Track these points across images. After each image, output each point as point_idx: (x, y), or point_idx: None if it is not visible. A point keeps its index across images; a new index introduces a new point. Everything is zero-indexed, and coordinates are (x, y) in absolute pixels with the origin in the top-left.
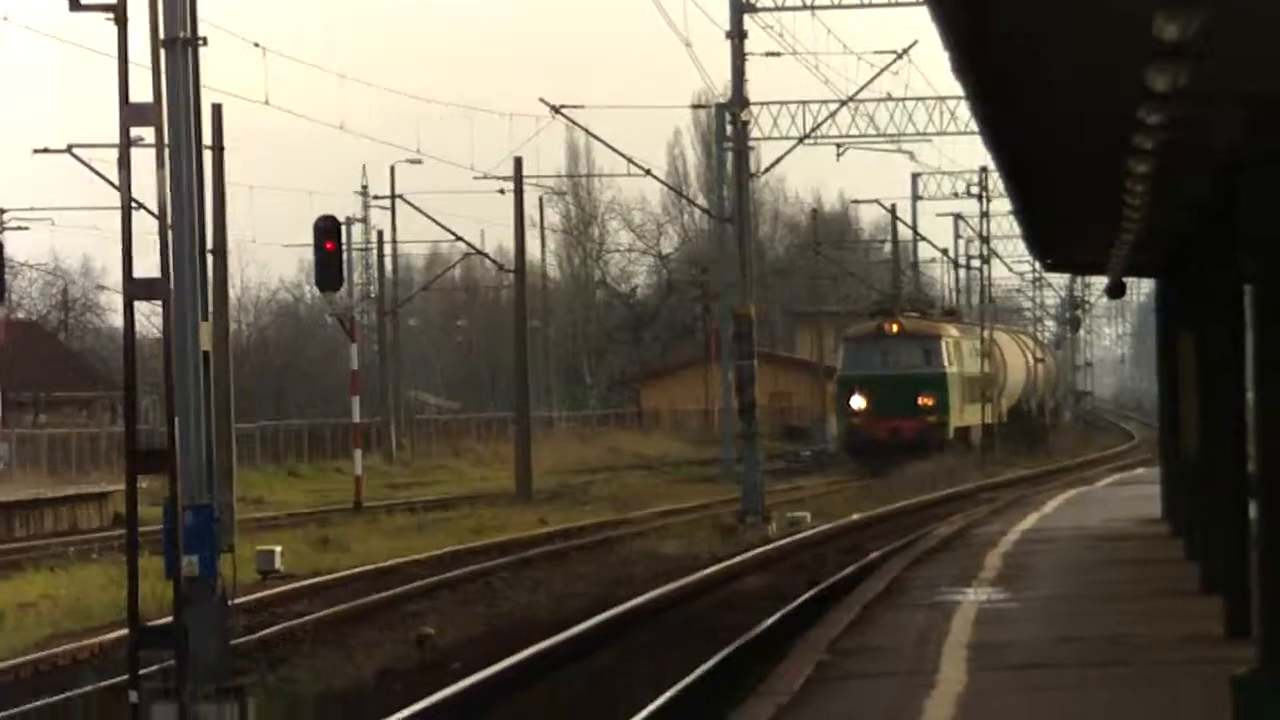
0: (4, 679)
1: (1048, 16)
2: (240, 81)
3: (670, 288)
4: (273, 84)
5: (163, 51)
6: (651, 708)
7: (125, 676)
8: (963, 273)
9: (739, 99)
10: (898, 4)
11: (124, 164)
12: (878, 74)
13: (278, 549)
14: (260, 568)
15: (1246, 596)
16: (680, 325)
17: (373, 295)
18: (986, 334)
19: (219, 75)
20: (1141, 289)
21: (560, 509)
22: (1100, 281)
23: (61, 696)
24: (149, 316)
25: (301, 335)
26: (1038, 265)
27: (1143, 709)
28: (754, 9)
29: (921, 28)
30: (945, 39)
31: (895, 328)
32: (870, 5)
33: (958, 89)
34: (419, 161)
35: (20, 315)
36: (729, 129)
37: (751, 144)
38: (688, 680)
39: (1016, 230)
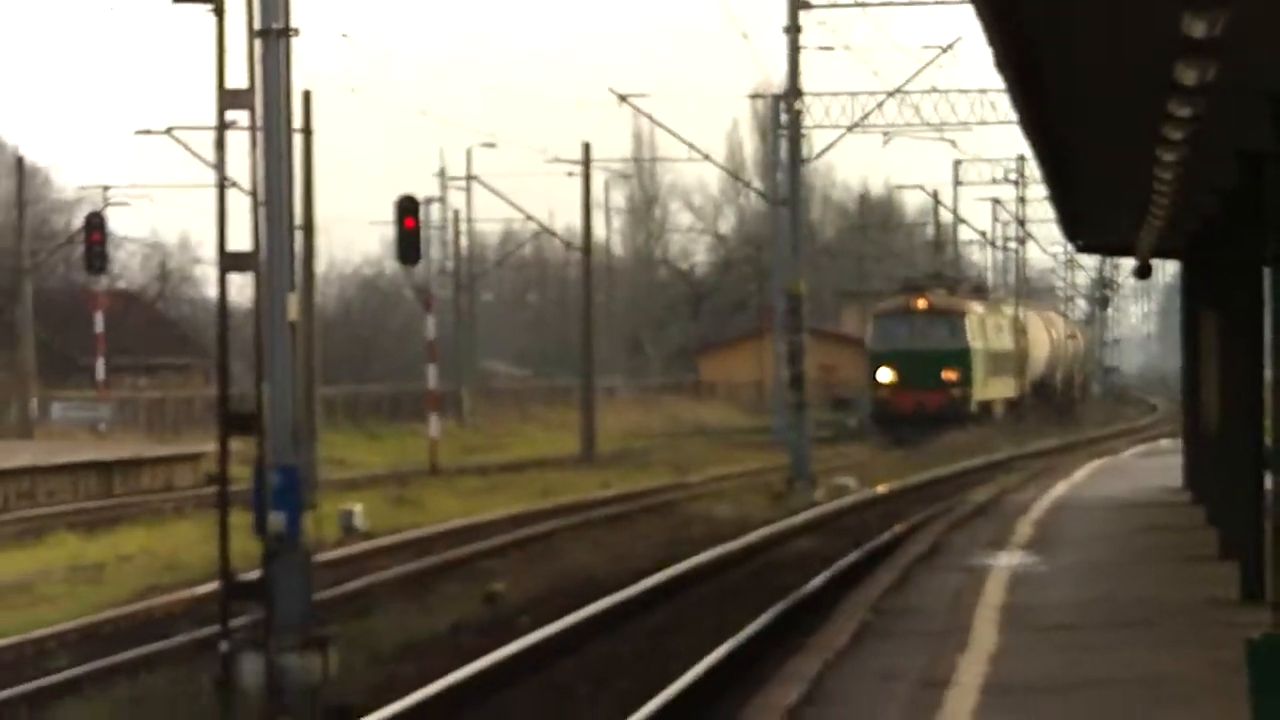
0: (107, 628)
1: (1082, 16)
2: (329, 69)
3: (727, 266)
4: (359, 72)
5: (258, 41)
6: (709, 660)
7: (217, 627)
8: (1000, 254)
9: (794, 90)
10: (944, 1)
11: (220, 145)
12: (923, 67)
13: (358, 508)
14: (342, 525)
15: (1261, 562)
16: (736, 301)
17: (449, 270)
18: (1017, 312)
19: (308, 64)
20: (1167, 270)
21: (622, 472)
22: (1129, 263)
23: (158, 645)
24: (241, 288)
25: (384, 307)
26: (1070, 247)
27: (1164, 667)
28: (809, 5)
29: (966, 24)
30: (988, 35)
31: (923, 304)
32: (918, 3)
33: (998, 82)
34: (494, 145)
35: (122, 285)
36: (783, 118)
37: (804, 132)
38: (743, 635)
39: (1051, 214)
